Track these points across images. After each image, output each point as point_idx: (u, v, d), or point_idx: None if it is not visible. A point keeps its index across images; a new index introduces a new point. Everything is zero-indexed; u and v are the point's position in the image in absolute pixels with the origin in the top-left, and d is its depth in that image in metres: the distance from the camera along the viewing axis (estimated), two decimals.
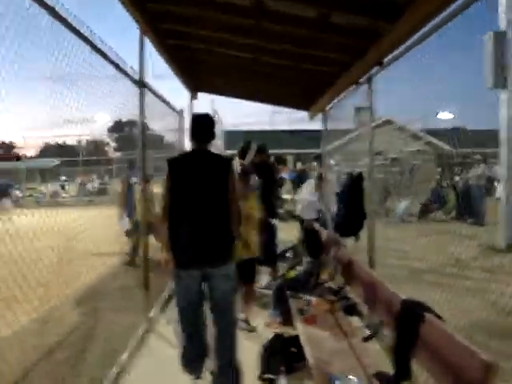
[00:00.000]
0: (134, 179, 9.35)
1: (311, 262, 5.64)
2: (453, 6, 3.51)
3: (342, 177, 9.81)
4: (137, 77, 5.27)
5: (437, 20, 3.79)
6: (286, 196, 17.87)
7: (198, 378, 4.16)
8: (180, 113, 8.35)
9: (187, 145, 8.35)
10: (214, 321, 4.04)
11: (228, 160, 4.14)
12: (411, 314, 3.18)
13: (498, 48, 10.71)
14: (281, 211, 16.38)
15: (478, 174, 15.37)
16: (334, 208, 7.38)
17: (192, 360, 4.18)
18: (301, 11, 4.74)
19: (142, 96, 5.33)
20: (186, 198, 3.90)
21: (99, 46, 4.15)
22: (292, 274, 5.85)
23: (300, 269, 5.83)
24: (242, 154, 6.15)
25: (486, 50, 10.83)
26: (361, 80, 5.80)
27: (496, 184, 16.56)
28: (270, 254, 6.96)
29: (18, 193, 28.93)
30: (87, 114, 3.90)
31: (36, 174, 36.10)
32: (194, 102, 10.02)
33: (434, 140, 26.20)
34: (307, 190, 9.00)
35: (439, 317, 3.02)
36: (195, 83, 9.45)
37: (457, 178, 17.63)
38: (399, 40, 4.42)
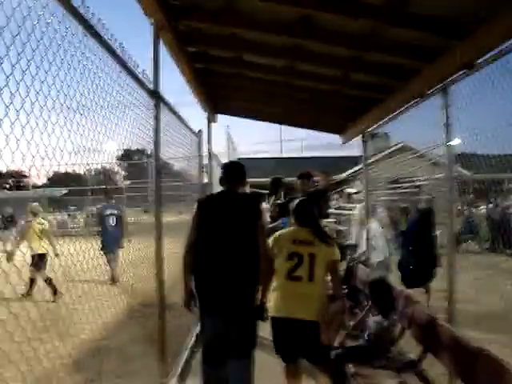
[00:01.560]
0: (108, 211, 10.65)
1: (380, 322, 4.34)
2: None
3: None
4: (150, 86, 4.12)
5: None
6: None
7: None
8: (198, 135, 7.20)
9: (205, 175, 7.76)
10: (230, 367, 3.84)
11: (256, 200, 4.17)
12: None
13: None
14: None
15: None
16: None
17: None
18: None
19: (157, 109, 4.17)
20: (213, 241, 3.85)
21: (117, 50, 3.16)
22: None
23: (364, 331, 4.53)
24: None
25: None
26: (430, 91, 4.65)
27: None
28: None
29: (23, 223, 27.86)
30: (97, 143, 3.28)
31: (44, 203, 35.11)
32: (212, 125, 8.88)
33: (456, 167, 24.89)
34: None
35: None
36: (215, 102, 8.31)
37: (490, 206, 16.28)
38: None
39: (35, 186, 33.20)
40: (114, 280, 9.47)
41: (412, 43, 4.27)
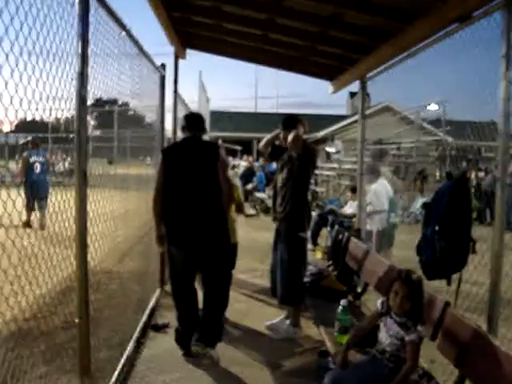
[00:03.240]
0: (34, 158, 11.00)
1: (400, 338, 2.87)
2: None
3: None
4: None
5: None
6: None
7: (187, 352, 4.33)
8: (161, 70, 5.76)
9: (169, 123, 6.86)
10: (206, 294, 4.38)
11: (215, 145, 4.82)
12: None
13: None
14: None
15: None
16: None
17: (184, 332, 4.38)
18: None
19: (85, 7, 2.73)
20: (179, 183, 4.23)
21: None
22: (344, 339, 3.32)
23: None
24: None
25: None
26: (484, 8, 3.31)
27: None
28: (293, 286, 4.81)
29: None
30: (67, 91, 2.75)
31: (3, 150, 33.04)
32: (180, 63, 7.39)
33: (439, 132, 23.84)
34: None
35: None
36: (184, 32, 6.80)
37: (481, 175, 15.26)
38: None
39: None
40: (42, 227, 9.35)
41: None
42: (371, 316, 3.29)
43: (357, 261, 4.98)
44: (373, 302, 5.31)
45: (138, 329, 4.69)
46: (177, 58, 7.21)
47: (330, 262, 5.84)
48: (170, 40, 6.65)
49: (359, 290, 4.95)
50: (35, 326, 4.04)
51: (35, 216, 10.08)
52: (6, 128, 2.71)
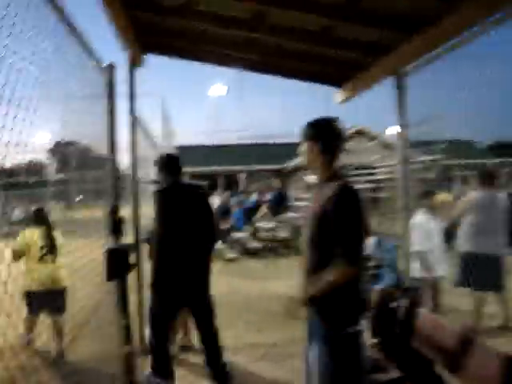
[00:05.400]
0: None
1: None
2: None
3: None
4: None
5: None
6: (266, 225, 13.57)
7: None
8: (108, 69, 3.84)
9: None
10: (201, 338, 4.33)
11: (203, 189, 4.83)
12: None
13: None
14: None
15: None
16: None
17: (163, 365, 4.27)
18: None
19: None
20: (174, 229, 4.12)
21: None
22: None
23: None
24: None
25: None
26: None
27: None
28: None
29: None
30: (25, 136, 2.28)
31: None
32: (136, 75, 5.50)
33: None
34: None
35: None
36: (147, 34, 4.92)
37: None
38: None
39: None
40: None
41: None
42: None
43: (441, 350, 3.06)
44: None
45: None
46: (133, 65, 5.31)
47: (378, 341, 3.88)
48: (126, 43, 4.73)
49: None
50: None
51: None
52: None
